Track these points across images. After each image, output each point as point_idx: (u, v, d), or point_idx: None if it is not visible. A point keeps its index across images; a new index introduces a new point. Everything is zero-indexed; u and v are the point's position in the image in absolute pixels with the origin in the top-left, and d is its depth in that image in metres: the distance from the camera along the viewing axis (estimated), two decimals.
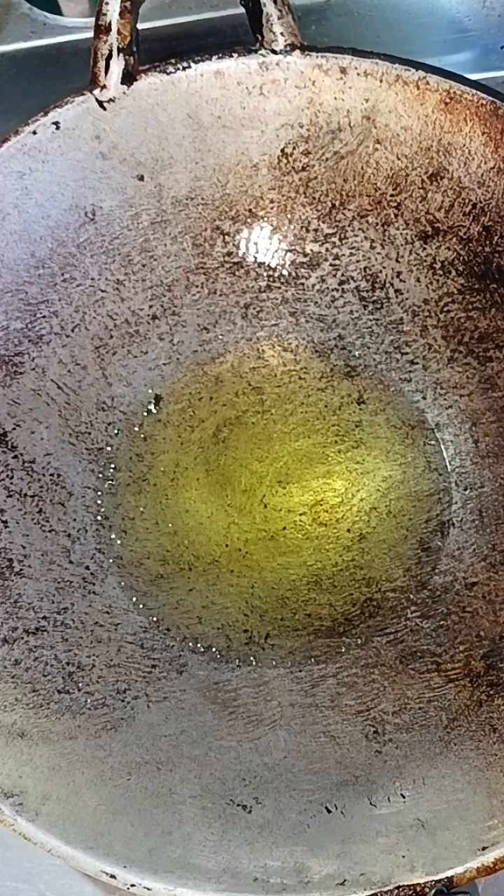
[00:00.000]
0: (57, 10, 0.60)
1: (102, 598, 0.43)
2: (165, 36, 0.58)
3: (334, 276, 0.51)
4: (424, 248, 0.48)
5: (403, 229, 0.48)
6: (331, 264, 0.51)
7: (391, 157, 0.47)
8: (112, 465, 0.47)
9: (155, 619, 0.44)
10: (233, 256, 0.51)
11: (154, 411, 0.49)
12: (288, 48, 0.45)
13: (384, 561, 0.45)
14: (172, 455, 0.48)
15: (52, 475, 0.45)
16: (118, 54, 0.43)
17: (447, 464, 0.48)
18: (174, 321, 0.50)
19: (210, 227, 0.50)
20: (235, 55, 0.45)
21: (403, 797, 0.35)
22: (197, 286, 0.51)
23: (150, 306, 0.50)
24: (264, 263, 0.51)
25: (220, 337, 0.51)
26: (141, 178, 0.47)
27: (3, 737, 0.35)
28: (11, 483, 0.43)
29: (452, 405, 0.49)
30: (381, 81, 0.45)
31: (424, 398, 0.49)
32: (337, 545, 0.46)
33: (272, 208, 0.50)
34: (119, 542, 0.46)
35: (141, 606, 0.44)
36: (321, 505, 0.47)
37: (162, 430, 0.49)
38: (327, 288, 0.51)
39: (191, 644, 0.43)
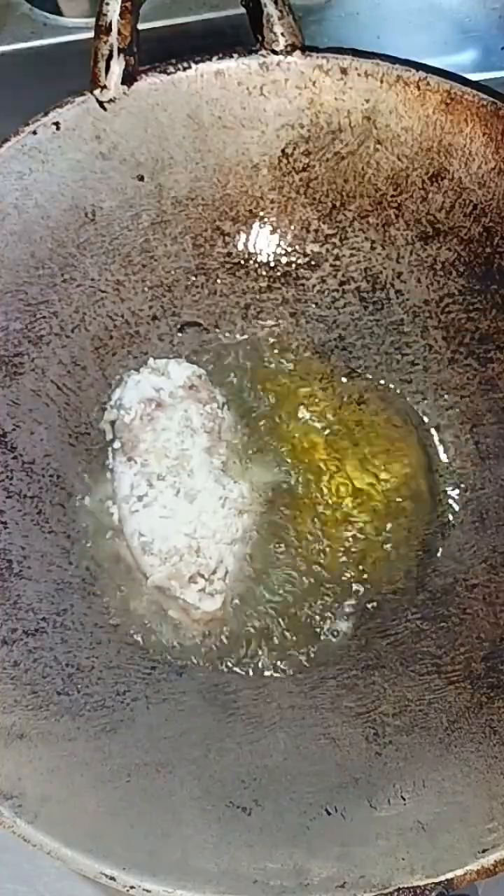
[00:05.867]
0: (57, 11, 0.61)
1: (102, 598, 0.43)
2: (166, 36, 0.58)
3: (335, 276, 0.51)
4: (425, 249, 0.48)
5: (404, 230, 0.48)
6: (331, 265, 0.51)
7: (392, 158, 0.47)
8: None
9: None
10: (233, 257, 0.51)
11: None
12: (288, 49, 0.45)
13: (384, 562, 0.45)
14: None
15: (51, 476, 0.45)
16: (118, 54, 0.43)
17: (448, 465, 0.48)
18: (174, 322, 0.50)
19: (210, 227, 0.50)
20: (236, 55, 0.45)
21: (403, 799, 0.35)
22: (197, 287, 0.51)
23: (151, 307, 0.50)
24: (265, 264, 0.51)
25: (221, 338, 0.51)
26: (141, 179, 0.47)
27: (2, 738, 0.34)
28: (11, 484, 0.43)
29: (453, 406, 0.49)
30: (381, 82, 0.45)
31: (425, 399, 0.49)
32: (337, 546, 0.46)
33: (272, 209, 0.50)
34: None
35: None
36: (321, 506, 0.47)
37: None
38: (328, 289, 0.51)
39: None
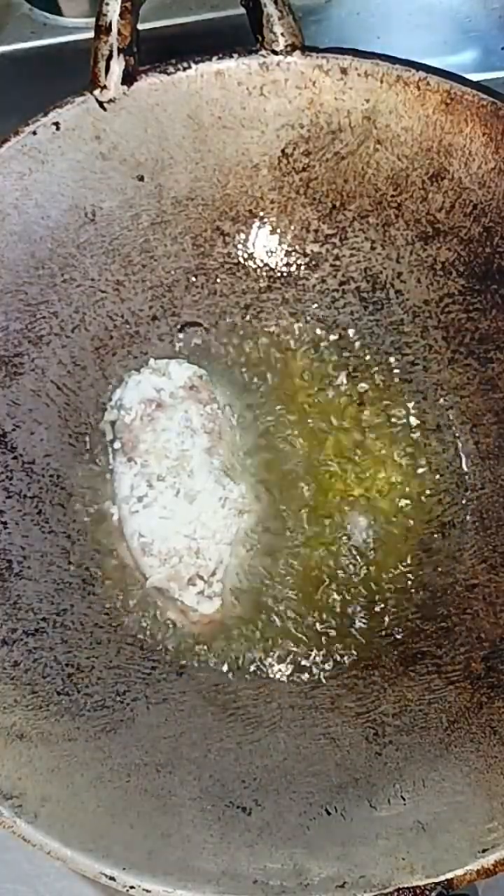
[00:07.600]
0: (57, 11, 0.60)
1: (102, 599, 0.43)
2: (166, 36, 0.58)
3: (335, 276, 0.51)
4: (425, 249, 0.48)
5: (404, 230, 0.48)
6: (331, 265, 0.51)
7: (392, 158, 0.47)
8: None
9: None
10: (233, 257, 0.51)
11: None
12: (288, 49, 0.45)
13: (385, 562, 0.45)
14: None
15: (51, 476, 0.45)
16: (118, 55, 0.43)
17: (448, 465, 0.48)
18: (174, 322, 0.50)
19: (210, 227, 0.50)
20: (236, 56, 0.45)
21: (403, 799, 0.35)
22: (197, 287, 0.51)
23: (151, 307, 0.50)
24: (265, 264, 0.51)
25: (221, 338, 0.51)
26: (141, 179, 0.47)
27: (2, 738, 0.34)
28: (11, 484, 0.43)
29: (453, 406, 0.49)
30: (381, 82, 0.45)
31: (425, 399, 0.49)
32: (337, 547, 0.46)
33: (272, 209, 0.50)
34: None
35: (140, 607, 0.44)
36: (321, 506, 0.47)
37: None
38: (328, 289, 0.51)
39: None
